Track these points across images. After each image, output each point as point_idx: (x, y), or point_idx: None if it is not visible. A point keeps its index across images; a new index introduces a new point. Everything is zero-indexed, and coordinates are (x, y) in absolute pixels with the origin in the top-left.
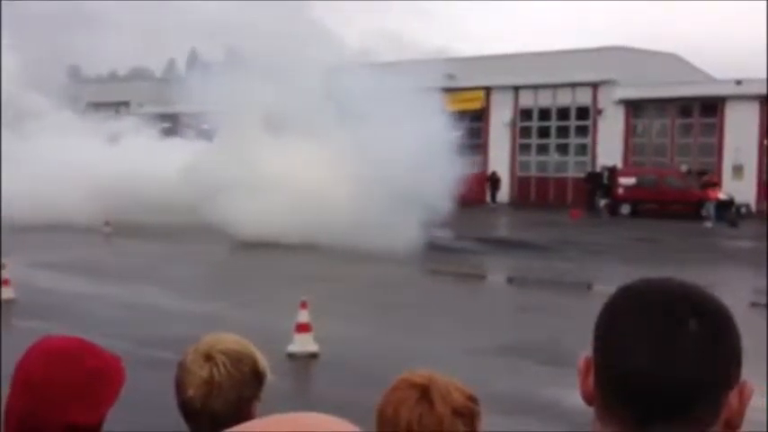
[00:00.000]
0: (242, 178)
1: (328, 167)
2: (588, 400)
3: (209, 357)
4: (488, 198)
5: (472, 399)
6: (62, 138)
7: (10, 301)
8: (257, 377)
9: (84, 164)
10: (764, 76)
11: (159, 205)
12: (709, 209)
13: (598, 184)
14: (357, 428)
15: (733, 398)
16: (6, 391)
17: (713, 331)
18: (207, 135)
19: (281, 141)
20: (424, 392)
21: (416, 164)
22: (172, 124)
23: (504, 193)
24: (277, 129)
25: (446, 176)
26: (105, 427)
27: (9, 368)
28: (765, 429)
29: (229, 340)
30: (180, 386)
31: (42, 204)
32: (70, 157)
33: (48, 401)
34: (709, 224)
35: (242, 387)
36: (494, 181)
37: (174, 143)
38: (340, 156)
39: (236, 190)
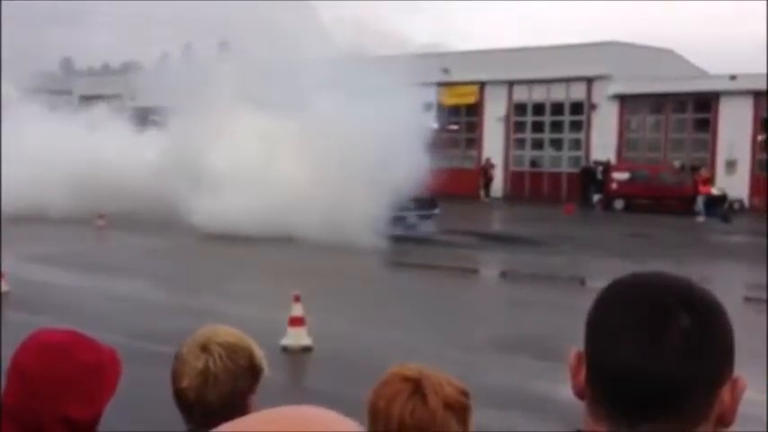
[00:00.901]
0: (211, 171)
1: (301, 160)
2: (580, 395)
3: (205, 348)
4: (481, 192)
5: (464, 393)
6: (27, 128)
7: (4, 294)
8: (253, 370)
9: (60, 155)
10: (759, 72)
11: (135, 197)
12: (699, 204)
13: (592, 179)
14: (351, 421)
15: (725, 394)
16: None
17: (704, 326)
18: (177, 126)
19: (253, 132)
20: (417, 386)
21: (391, 155)
22: (163, 117)
23: (497, 188)
24: (249, 117)
25: (421, 169)
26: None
27: (4, 362)
28: (765, 425)
29: (226, 332)
30: (175, 377)
31: (23, 196)
32: (44, 148)
33: (43, 395)
34: (701, 219)
35: (237, 379)
36: (486, 170)
37: (152, 135)
38: (315, 148)
39: (205, 183)
